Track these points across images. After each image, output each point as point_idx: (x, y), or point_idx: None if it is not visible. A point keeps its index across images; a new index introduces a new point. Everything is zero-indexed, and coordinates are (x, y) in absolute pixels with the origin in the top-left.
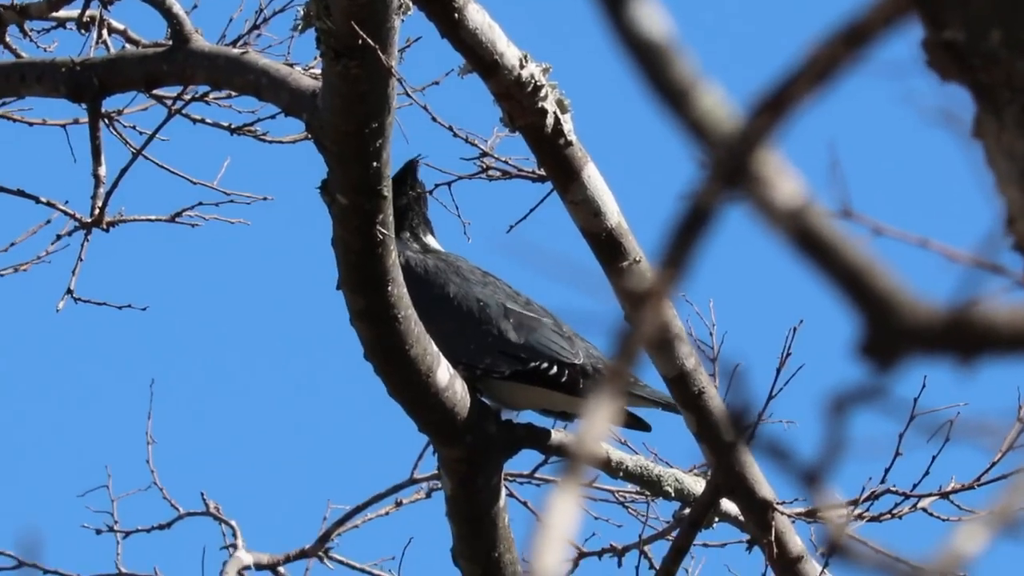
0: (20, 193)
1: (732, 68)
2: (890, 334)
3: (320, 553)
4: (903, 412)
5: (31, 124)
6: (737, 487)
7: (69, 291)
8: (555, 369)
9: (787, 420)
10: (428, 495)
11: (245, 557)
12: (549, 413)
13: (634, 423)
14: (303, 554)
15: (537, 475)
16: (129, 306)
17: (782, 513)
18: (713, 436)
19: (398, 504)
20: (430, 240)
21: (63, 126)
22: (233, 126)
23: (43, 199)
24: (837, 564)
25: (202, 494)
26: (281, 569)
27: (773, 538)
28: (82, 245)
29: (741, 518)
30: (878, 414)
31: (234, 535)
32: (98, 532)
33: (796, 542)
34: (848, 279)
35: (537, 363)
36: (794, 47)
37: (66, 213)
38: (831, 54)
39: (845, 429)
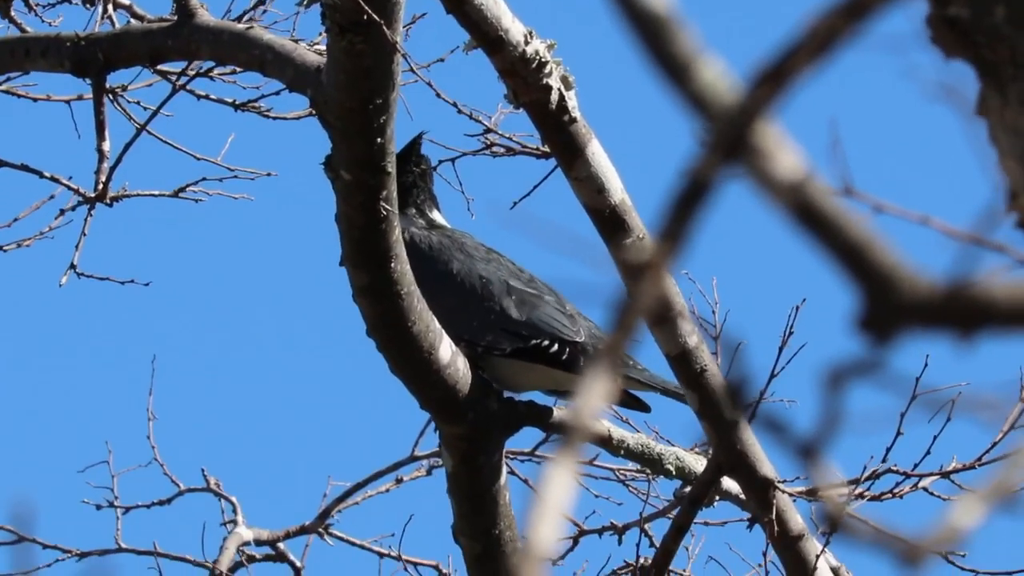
0: (24, 168)
1: (732, 41)
2: (889, 309)
3: (320, 529)
4: (903, 388)
5: (35, 100)
6: (738, 465)
7: (72, 266)
8: (556, 347)
9: (788, 399)
10: (429, 472)
11: (245, 533)
12: (553, 394)
13: (634, 403)
14: (303, 530)
15: (538, 453)
16: (132, 281)
17: (783, 492)
18: (715, 414)
19: (399, 481)
20: (436, 216)
21: (67, 102)
22: (237, 102)
23: (47, 174)
24: (837, 542)
25: (203, 470)
26: (281, 545)
27: (774, 516)
28: (85, 220)
29: (742, 496)
30: (877, 389)
31: (234, 511)
32: (98, 508)
33: (797, 520)
34: (847, 253)
35: (538, 340)
36: (794, 20)
37: (70, 188)
38: (831, 27)
39: (842, 404)
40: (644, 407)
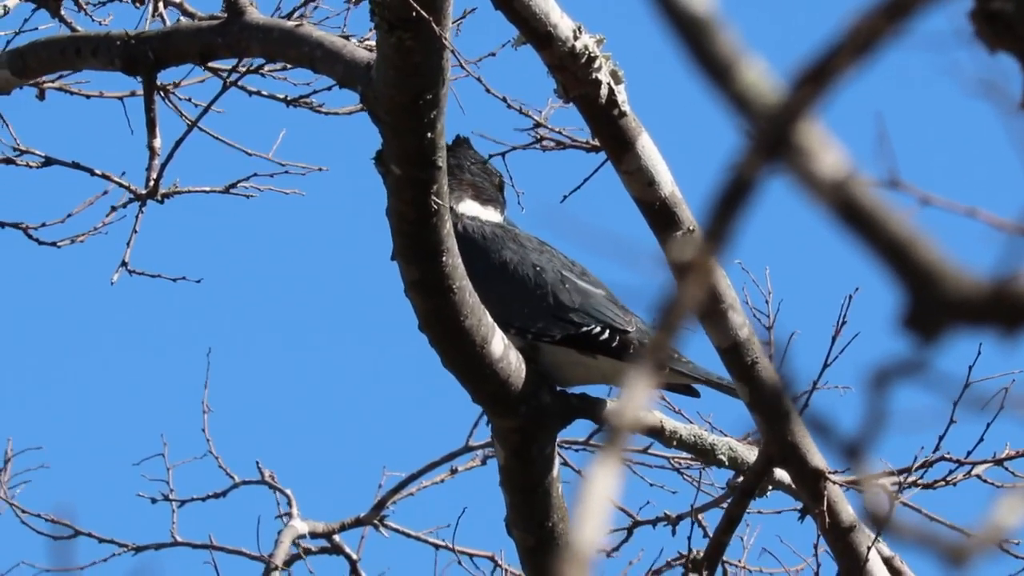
0: (75, 165)
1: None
2: (934, 306)
3: (375, 521)
4: (949, 385)
5: (88, 97)
6: (789, 457)
7: (124, 263)
8: (606, 334)
9: (843, 386)
10: (483, 462)
11: (300, 526)
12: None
13: (683, 389)
14: (358, 522)
15: (592, 442)
16: (184, 278)
17: (834, 482)
18: (766, 406)
19: (453, 472)
20: (489, 213)
21: (120, 99)
22: (289, 98)
23: (98, 171)
24: (888, 534)
25: (257, 463)
26: (336, 537)
27: (825, 507)
28: (137, 217)
29: (794, 486)
30: (922, 386)
31: (289, 504)
32: (153, 501)
33: (848, 511)
34: (891, 251)
35: (589, 327)
36: (836, 19)
37: (121, 185)
38: (873, 26)
39: (887, 401)
40: (694, 392)
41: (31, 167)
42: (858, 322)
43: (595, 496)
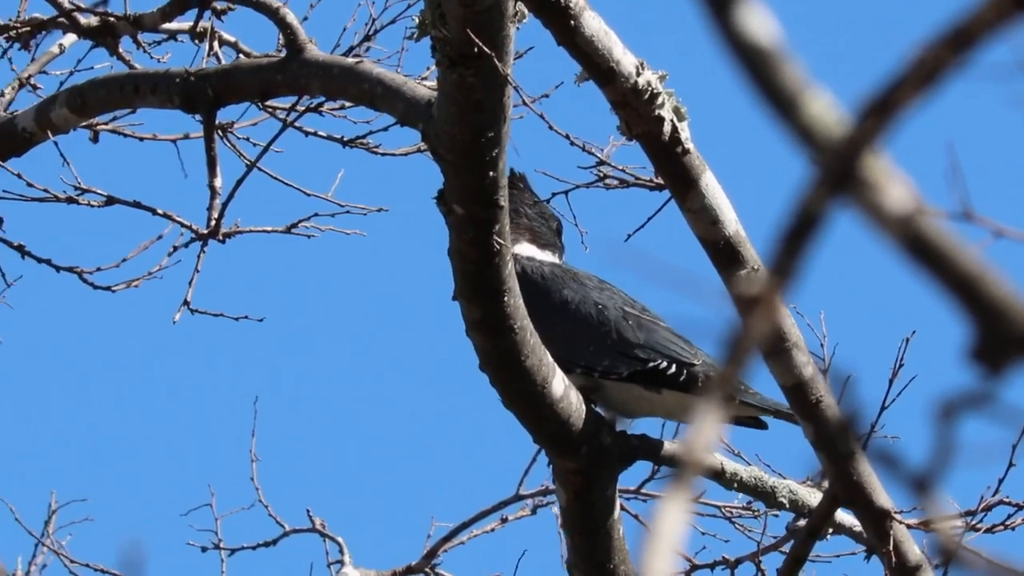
0: (137, 205)
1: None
2: (1002, 340)
3: (427, 569)
4: (1015, 420)
5: (142, 139)
6: (854, 496)
7: (186, 302)
8: (673, 368)
9: (893, 435)
10: (534, 512)
11: (352, 573)
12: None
13: (751, 421)
14: (410, 570)
15: (644, 490)
16: (246, 317)
17: (900, 522)
18: (831, 445)
19: (503, 520)
20: (547, 256)
21: (174, 141)
22: (346, 139)
23: (160, 211)
24: (954, 574)
25: (308, 510)
26: None
27: (891, 548)
28: (198, 257)
29: (856, 529)
30: (990, 421)
31: (340, 551)
32: (204, 550)
33: (914, 551)
34: (959, 285)
35: (656, 362)
36: (900, 51)
37: (183, 225)
38: (937, 57)
39: (954, 435)
40: (761, 425)
41: (93, 206)
42: (916, 364)
43: (662, 536)
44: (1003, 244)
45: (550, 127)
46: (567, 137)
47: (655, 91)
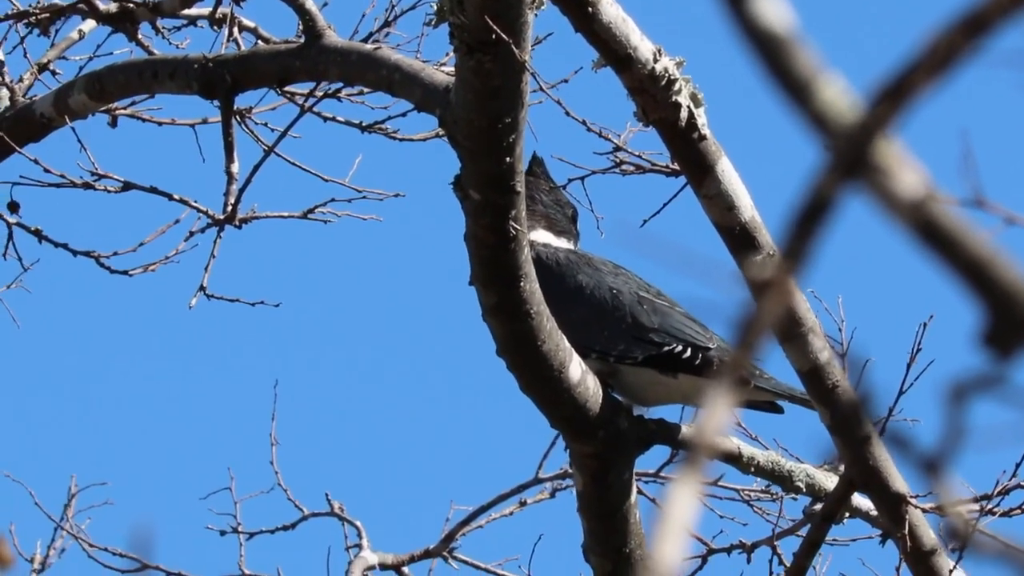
0: (153, 190)
1: (853, 58)
2: (1013, 325)
3: (445, 553)
4: None
5: (160, 124)
6: (870, 481)
7: (202, 287)
8: (689, 352)
9: (912, 419)
10: (552, 495)
11: (370, 557)
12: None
13: (767, 405)
14: (428, 554)
15: (662, 474)
16: (262, 302)
17: (915, 507)
18: (847, 430)
19: (522, 504)
20: (563, 243)
21: (192, 126)
22: (364, 124)
23: (176, 196)
24: (969, 558)
25: (326, 494)
26: (405, 569)
27: (907, 532)
28: (215, 242)
29: (872, 513)
30: (1003, 405)
31: (359, 535)
32: (222, 533)
33: (930, 535)
34: (971, 270)
35: (671, 346)
36: (914, 37)
37: (199, 210)
38: (951, 43)
39: (966, 419)
40: (777, 409)
41: (109, 191)
42: (932, 345)
43: (674, 519)
44: (1014, 231)
45: (567, 113)
46: (584, 123)
47: (672, 77)
